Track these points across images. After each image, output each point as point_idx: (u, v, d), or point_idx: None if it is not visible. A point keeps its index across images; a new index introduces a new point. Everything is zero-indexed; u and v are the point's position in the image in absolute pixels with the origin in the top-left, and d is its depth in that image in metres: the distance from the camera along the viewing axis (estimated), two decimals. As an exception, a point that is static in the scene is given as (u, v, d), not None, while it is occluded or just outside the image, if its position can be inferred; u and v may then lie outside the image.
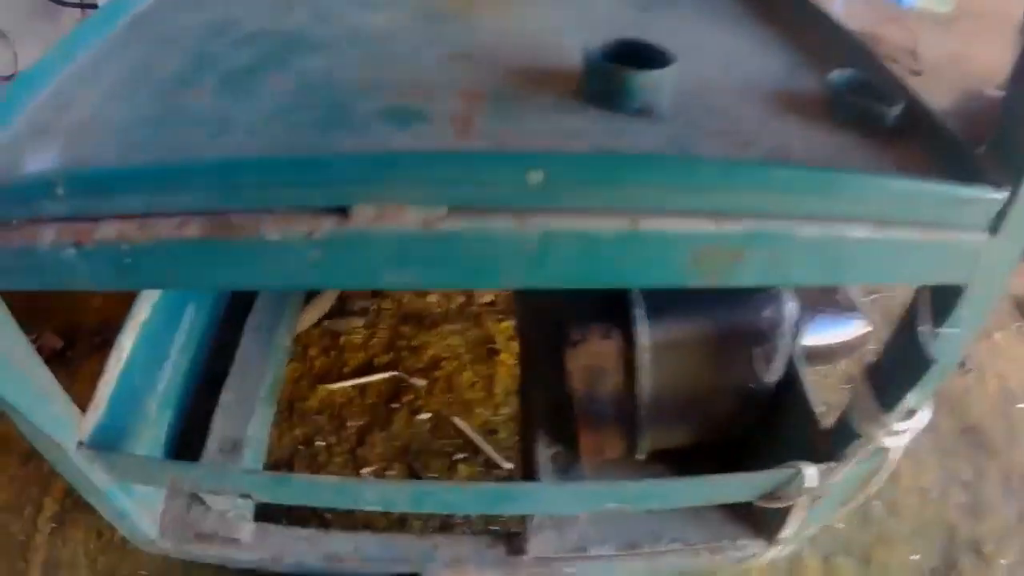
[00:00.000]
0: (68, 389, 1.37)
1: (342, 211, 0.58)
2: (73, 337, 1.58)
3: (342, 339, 1.58)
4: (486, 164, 0.59)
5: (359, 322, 1.60)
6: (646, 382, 0.94)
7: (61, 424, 0.91)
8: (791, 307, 0.96)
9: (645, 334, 0.91)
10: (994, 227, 0.67)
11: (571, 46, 0.79)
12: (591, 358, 0.93)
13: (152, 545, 1.17)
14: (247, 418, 1.19)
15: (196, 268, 0.64)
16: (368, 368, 1.53)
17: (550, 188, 0.58)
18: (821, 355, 1.12)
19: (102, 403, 1.01)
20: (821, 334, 1.28)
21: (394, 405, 1.48)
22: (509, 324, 1.63)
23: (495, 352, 1.59)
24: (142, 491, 1.11)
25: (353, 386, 1.50)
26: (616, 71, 0.70)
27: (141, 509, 1.10)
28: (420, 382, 1.52)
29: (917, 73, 1.97)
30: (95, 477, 0.97)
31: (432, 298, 1.68)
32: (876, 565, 1.32)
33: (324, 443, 1.41)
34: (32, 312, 1.60)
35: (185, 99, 0.77)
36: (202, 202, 0.60)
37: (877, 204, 0.64)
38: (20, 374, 0.83)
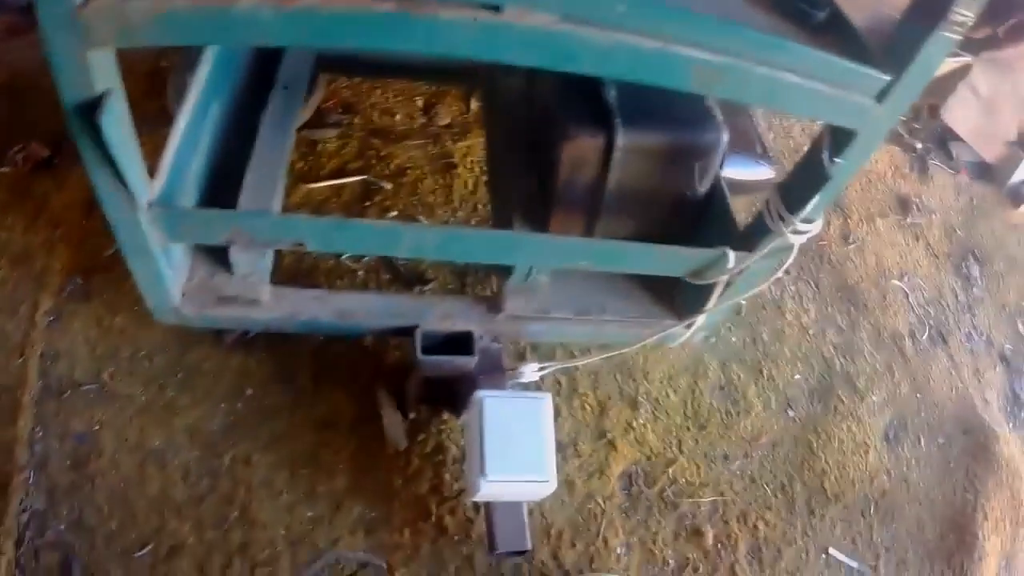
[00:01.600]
0: (53, 195, 1.81)
1: (496, 7, 1.04)
2: (59, 146, 1.91)
3: (319, 147, 2.09)
4: None
5: (333, 133, 2.12)
6: (613, 175, 1.52)
7: (138, 182, 1.25)
8: (724, 137, 1.55)
9: (620, 138, 1.48)
10: (879, 98, 1.23)
11: None
12: (580, 150, 1.49)
13: (172, 313, 1.57)
14: (269, 197, 1.61)
15: (377, 31, 1.05)
16: (342, 172, 2.06)
17: (623, 17, 1.07)
18: (733, 188, 1.72)
19: (164, 172, 1.39)
20: (737, 170, 1.93)
21: (366, 204, 2.02)
22: (464, 144, 2.19)
23: (453, 166, 2.15)
24: (176, 258, 1.51)
25: (330, 186, 2.02)
26: None
27: (172, 275, 1.50)
28: (387, 185, 2.06)
29: None
30: (152, 237, 1.34)
31: (397, 117, 2.22)
32: (765, 376, 1.98)
33: (308, 233, 1.93)
34: (18, 122, 1.96)
35: None
36: None
37: (803, 65, 1.18)
38: (125, 129, 1.16)
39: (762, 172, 2.06)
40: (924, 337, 2.25)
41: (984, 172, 2.84)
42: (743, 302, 2.06)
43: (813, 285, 2.22)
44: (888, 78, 1.21)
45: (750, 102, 1.49)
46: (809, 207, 1.41)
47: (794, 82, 1.18)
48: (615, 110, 1.49)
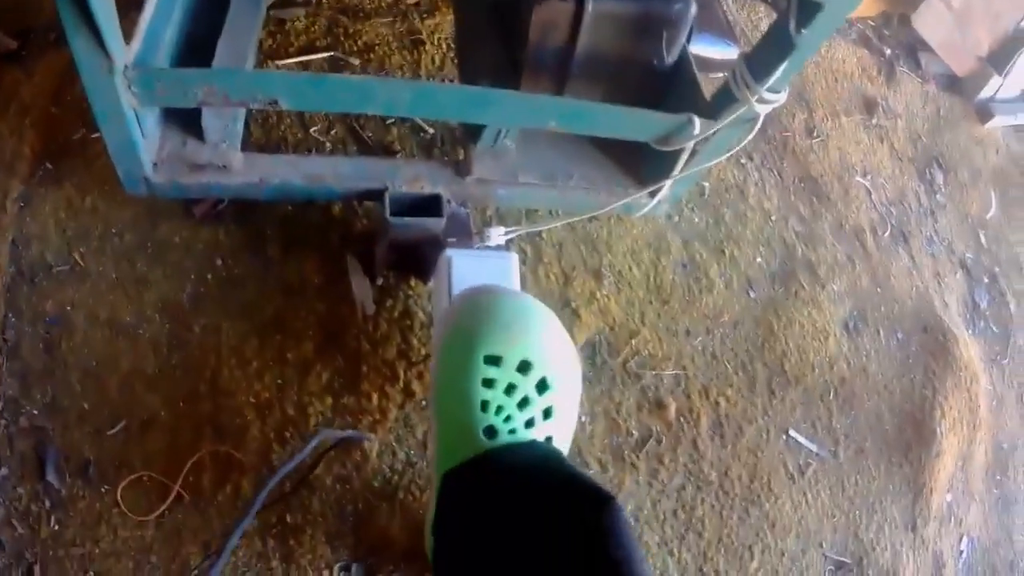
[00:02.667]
0: (23, 84, 1.89)
1: None
2: (26, 37, 1.93)
3: (287, 25, 2.16)
4: None
5: (301, 11, 2.18)
6: (583, 41, 1.61)
7: (116, 45, 1.30)
8: (693, 9, 1.64)
9: (591, 3, 1.57)
10: None
11: None
12: (551, 13, 1.57)
13: (142, 184, 1.62)
14: (242, 63, 1.69)
15: None
16: (310, 49, 2.13)
17: None
18: (700, 65, 1.81)
19: (140, 35, 1.44)
20: (704, 48, 2.04)
21: (335, 80, 2.09)
22: (432, 22, 2.27)
23: (421, 43, 2.24)
24: (148, 128, 1.57)
25: (298, 62, 2.10)
26: None
27: (144, 144, 1.55)
28: (356, 61, 2.15)
29: None
30: (126, 101, 1.40)
31: (364, -4, 2.30)
32: (728, 256, 2.10)
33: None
34: None
35: None
36: None
37: None
38: None
39: (729, 52, 2.16)
40: (886, 234, 2.38)
41: (953, 84, 2.95)
42: (707, 184, 2.19)
43: (776, 174, 2.34)
44: None
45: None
46: (775, 76, 1.50)
47: None
48: (586, -26, 1.58)
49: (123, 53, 1.34)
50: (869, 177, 2.49)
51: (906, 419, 2.07)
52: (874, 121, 2.65)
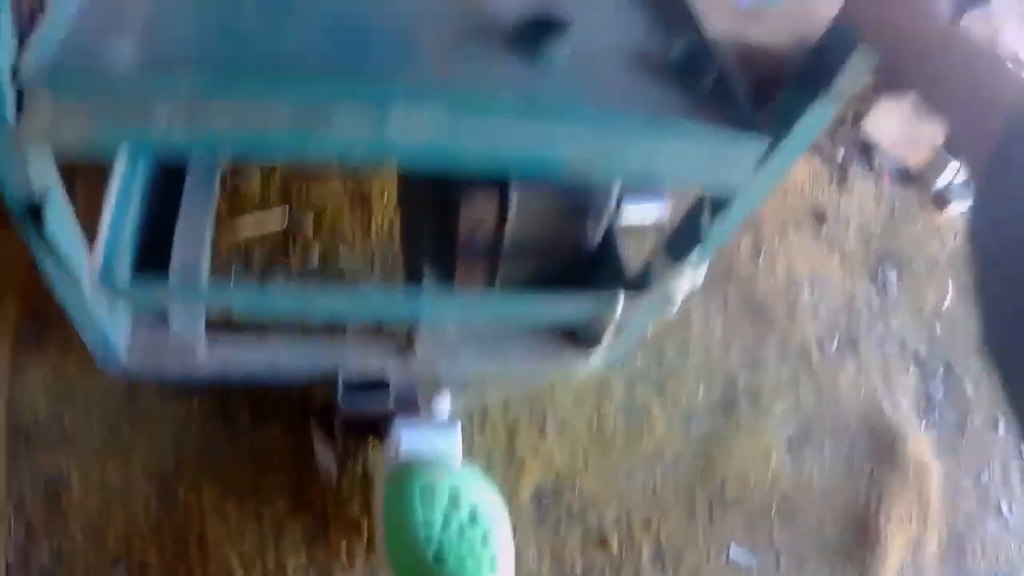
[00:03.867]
0: (3, 246, 2.06)
1: (383, 113, 1.19)
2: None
3: (241, 189, 2.42)
4: (462, 99, 1.25)
5: (256, 175, 2.46)
6: (510, 230, 1.82)
7: (81, 268, 1.45)
8: (615, 188, 1.85)
9: (515, 197, 1.76)
10: (757, 164, 1.38)
11: (502, 8, 1.45)
12: (477, 210, 1.78)
13: (119, 369, 1.88)
14: (199, 251, 1.94)
15: (278, 141, 1.21)
16: (265, 207, 2.40)
17: (501, 115, 1.27)
18: (633, 228, 2.05)
19: (100, 248, 1.66)
20: (635, 209, 2.32)
21: (289, 242, 2.37)
22: (380, 182, 2.51)
23: (368, 203, 2.48)
24: (119, 321, 1.81)
25: (255, 221, 2.36)
26: (532, 33, 1.40)
27: (118, 335, 1.81)
28: (309, 225, 2.41)
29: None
30: (96, 310, 1.60)
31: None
32: (668, 394, 2.30)
33: (236, 276, 2.27)
34: None
35: (235, 14, 1.29)
36: (290, 100, 1.15)
37: (678, 138, 1.36)
38: (67, 221, 1.36)
39: (658, 209, 2.42)
40: (832, 346, 2.57)
41: (907, 178, 3.13)
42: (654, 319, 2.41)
43: (721, 301, 2.54)
44: (765, 146, 1.36)
45: (624, 180, 1.78)
46: (690, 260, 1.71)
47: (668, 159, 1.37)
48: (511, 174, 1.77)
49: (87, 270, 1.53)
50: (817, 290, 2.68)
51: (849, 523, 2.24)
52: (824, 230, 2.83)
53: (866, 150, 3.14)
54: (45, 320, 2.02)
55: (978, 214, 0.70)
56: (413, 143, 1.26)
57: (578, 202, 1.86)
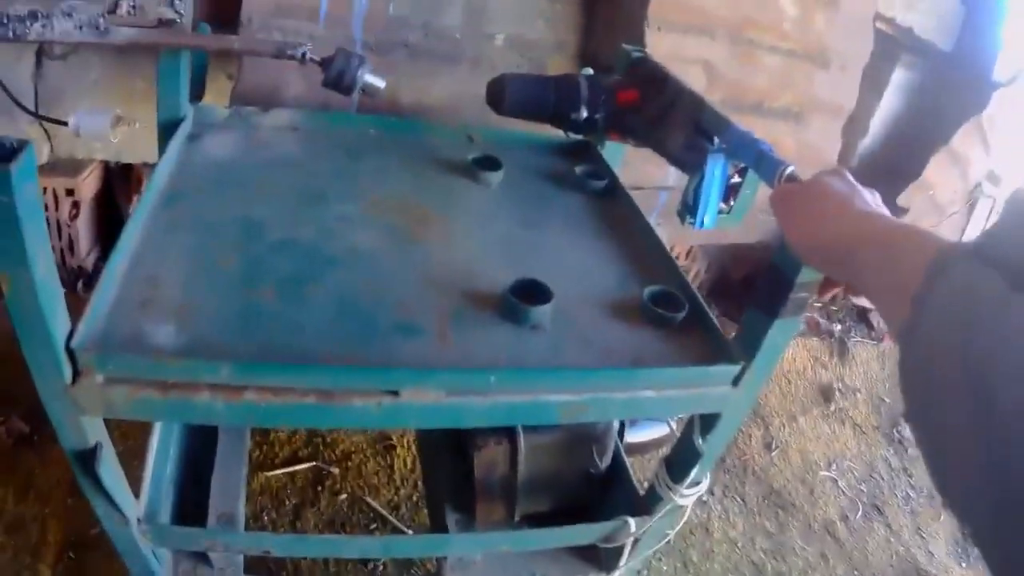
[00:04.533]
0: (38, 470, 2.08)
1: (395, 393, 1.32)
2: (38, 421, 2.18)
3: (271, 436, 2.42)
4: (465, 375, 1.36)
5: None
6: (522, 470, 1.83)
7: (129, 508, 1.52)
8: (616, 423, 1.89)
9: (523, 442, 1.79)
10: (735, 383, 1.50)
11: (491, 273, 1.57)
12: (490, 456, 1.81)
13: None
14: (236, 496, 1.92)
15: (305, 417, 1.36)
16: (294, 459, 2.38)
17: (497, 384, 1.35)
18: (638, 448, 2.05)
19: (146, 491, 1.69)
20: (638, 434, 2.28)
21: (319, 488, 2.33)
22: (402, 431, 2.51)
23: (392, 447, 2.48)
24: (162, 555, 1.76)
25: (285, 473, 2.34)
26: (520, 307, 1.48)
27: (160, 570, 1.75)
28: (336, 470, 2.38)
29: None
30: (143, 546, 1.61)
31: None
32: None
33: (268, 518, 2.24)
34: None
35: (256, 297, 1.38)
36: (316, 383, 1.29)
37: (659, 380, 1.43)
38: (117, 469, 1.44)
39: (660, 431, 2.39)
40: (858, 516, 2.53)
41: None
42: (670, 531, 2.36)
43: (739, 499, 2.50)
44: (739, 368, 1.43)
45: (615, 420, 1.83)
46: (690, 477, 1.70)
47: (652, 396, 1.43)
48: (517, 418, 1.82)
49: (135, 510, 1.55)
50: (834, 466, 2.65)
51: None
52: (832, 408, 2.83)
53: (863, 315, 3.13)
54: (87, 549, 2.00)
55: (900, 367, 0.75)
56: (421, 414, 1.36)
57: (583, 436, 1.87)
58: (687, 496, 1.77)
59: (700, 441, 1.64)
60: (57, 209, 2.66)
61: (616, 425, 1.89)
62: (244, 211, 1.65)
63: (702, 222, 1.59)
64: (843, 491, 2.60)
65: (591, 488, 1.95)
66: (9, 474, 2.12)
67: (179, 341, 1.27)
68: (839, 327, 3.12)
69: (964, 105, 2.92)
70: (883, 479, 2.65)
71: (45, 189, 2.61)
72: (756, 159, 1.43)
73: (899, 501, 2.60)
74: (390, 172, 1.91)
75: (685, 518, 1.85)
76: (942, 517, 2.57)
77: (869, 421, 2.82)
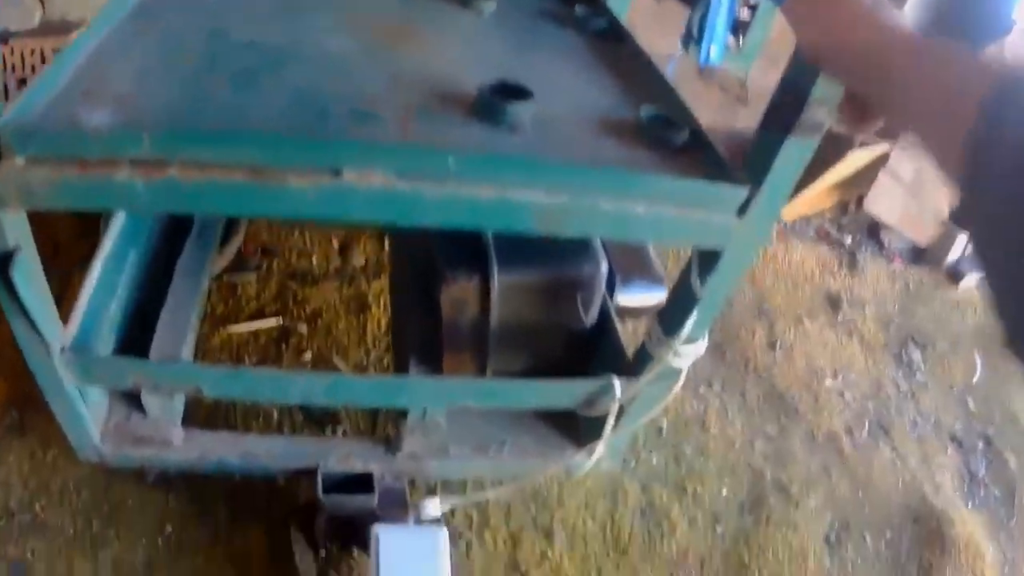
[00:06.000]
0: None
1: (337, 171, 1.08)
2: None
3: (239, 289, 2.11)
4: (420, 154, 1.11)
5: (252, 276, 2.15)
6: (496, 314, 1.51)
7: (51, 330, 1.33)
8: (603, 267, 1.56)
9: (496, 278, 1.48)
10: (741, 212, 1.22)
11: (468, 78, 1.33)
12: (458, 292, 1.49)
13: (93, 451, 1.63)
14: (180, 342, 1.66)
15: (234, 199, 1.12)
16: (261, 314, 2.08)
17: (457, 170, 1.10)
18: (632, 313, 1.72)
19: (77, 318, 1.47)
20: (633, 297, 1.93)
21: (283, 346, 2.03)
22: (378, 284, 2.21)
23: (367, 307, 2.17)
24: (93, 400, 1.56)
25: (248, 330, 2.04)
26: (496, 101, 1.23)
27: (91, 415, 1.56)
28: (304, 328, 2.08)
29: (744, 101, 2.70)
30: (66, 380, 1.42)
31: (314, 259, 2.25)
32: (690, 494, 1.92)
33: (225, 376, 1.94)
34: None
35: (209, 87, 1.22)
36: (247, 158, 1.07)
37: (652, 192, 1.17)
38: (37, 281, 1.26)
39: (659, 295, 2.05)
40: (864, 433, 2.19)
41: (919, 255, 2.81)
42: (664, 421, 2.04)
43: (739, 396, 2.17)
44: (745, 192, 1.20)
45: (602, 236, 1.53)
46: (686, 330, 1.40)
47: (644, 212, 1.18)
48: (491, 250, 1.50)
49: (59, 337, 1.36)
50: (840, 377, 2.32)
51: None
52: (840, 317, 2.49)
53: (874, 232, 2.81)
54: (30, 408, 1.77)
55: (965, 211, 0.65)
56: (366, 201, 1.13)
57: (565, 285, 1.56)
58: (682, 356, 1.46)
59: (698, 283, 1.35)
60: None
61: (604, 273, 1.58)
62: (214, 22, 1.45)
63: (707, 56, 1.35)
64: (848, 404, 2.28)
65: (574, 348, 1.64)
66: None
67: (112, 121, 1.12)
68: (849, 238, 2.77)
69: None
70: (890, 399, 2.33)
71: (34, 51, 2.52)
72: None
73: (906, 425, 2.27)
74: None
75: (679, 385, 1.54)
76: (948, 451, 2.25)
77: (877, 339, 2.49)
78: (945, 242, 2.77)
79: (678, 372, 1.49)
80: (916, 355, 2.48)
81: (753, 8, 1.31)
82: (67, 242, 1.96)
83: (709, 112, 2.53)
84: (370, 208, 1.14)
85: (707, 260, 1.32)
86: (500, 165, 1.13)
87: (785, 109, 1.12)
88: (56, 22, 2.60)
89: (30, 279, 1.22)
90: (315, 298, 2.16)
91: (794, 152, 1.15)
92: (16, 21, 2.55)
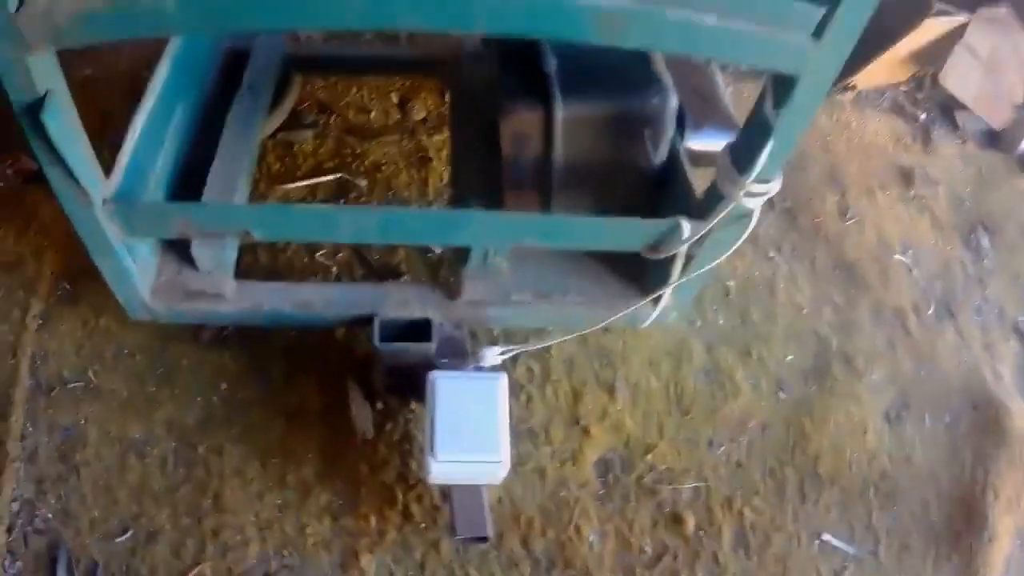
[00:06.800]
0: (44, 205, 1.84)
1: None
2: None
3: (295, 148, 2.02)
4: None
5: (309, 133, 2.04)
6: (559, 149, 1.39)
7: (92, 181, 1.26)
8: (672, 101, 1.42)
9: (559, 109, 1.35)
10: (817, 34, 1.06)
11: None
12: (519, 124, 1.37)
13: (143, 310, 1.57)
14: (232, 192, 1.57)
15: (275, 10, 1.00)
16: (318, 171, 1.98)
17: None
18: (704, 159, 1.57)
19: (120, 169, 1.38)
20: (705, 141, 1.77)
21: (340, 201, 1.93)
22: (439, 138, 2.09)
23: (427, 160, 2.06)
24: (142, 256, 1.50)
25: (306, 186, 1.95)
26: None
27: (140, 272, 1.49)
28: (363, 182, 1.98)
29: None
30: (111, 233, 1.34)
31: (372, 114, 2.14)
32: (755, 358, 1.80)
33: (281, 233, 1.85)
34: (7, 136, 1.95)
35: None
36: None
37: (723, 3, 1.01)
38: (74, 132, 1.18)
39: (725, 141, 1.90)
40: (930, 312, 2.03)
41: (992, 140, 2.57)
42: (731, 283, 1.91)
43: (808, 263, 2.03)
44: (822, 10, 1.04)
45: (668, 50, 1.33)
46: (759, 166, 1.25)
47: (714, 24, 1.02)
48: (554, 80, 1.37)
49: (100, 188, 1.29)
50: (910, 253, 2.15)
51: (955, 506, 1.72)
52: (912, 193, 2.31)
53: (948, 111, 2.59)
54: (82, 277, 1.73)
55: None
56: (414, 5, 0.99)
57: (632, 119, 1.42)
58: (754, 195, 1.31)
59: (772, 112, 1.19)
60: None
61: (674, 108, 1.43)
62: None
63: None
64: (916, 282, 2.11)
65: (641, 187, 1.51)
66: (14, 212, 1.88)
67: None
68: (924, 116, 2.57)
69: None
70: (957, 281, 2.16)
71: None
72: None
73: (971, 310, 2.10)
74: None
75: (750, 229, 1.39)
76: (1011, 341, 2.08)
77: (948, 218, 2.31)
78: (1019, 128, 2.53)
79: (750, 214, 1.35)
80: (985, 240, 2.29)
81: None
82: (117, 112, 1.86)
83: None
84: (419, 13, 1.01)
85: (781, 88, 1.17)
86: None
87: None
88: None
89: (64, 124, 1.15)
90: (374, 153, 2.05)
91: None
92: None
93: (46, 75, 1.09)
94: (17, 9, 0.97)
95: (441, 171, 2.03)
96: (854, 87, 2.53)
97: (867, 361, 1.88)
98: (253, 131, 1.72)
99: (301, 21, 1.09)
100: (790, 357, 1.84)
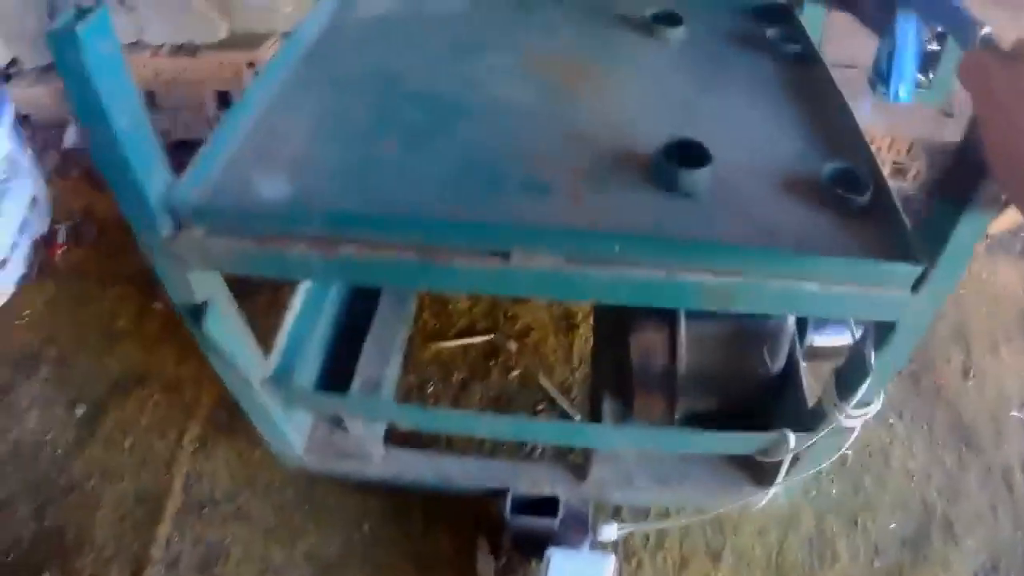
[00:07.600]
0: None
1: (505, 255, 1.06)
2: None
3: (449, 306, 2.17)
4: (587, 238, 1.07)
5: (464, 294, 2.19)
6: (683, 364, 1.49)
7: (251, 367, 1.39)
8: (791, 318, 1.50)
9: (683, 330, 1.46)
10: (915, 287, 1.10)
11: (647, 131, 1.24)
12: (646, 342, 1.48)
13: (297, 461, 1.71)
14: (384, 363, 1.72)
15: (404, 276, 1.12)
16: (471, 331, 2.12)
17: (624, 253, 1.06)
18: (823, 354, 1.63)
19: (279, 349, 1.54)
20: (827, 337, 1.82)
21: (491, 363, 2.07)
22: (587, 306, 2.19)
23: (574, 326, 2.17)
24: (298, 418, 1.64)
25: (458, 345, 2.09)
26: (671, 168, 1.15)
27: (295, 431, 1.64)
28: (513, 346, 2.11)
29: (949, 115, 2.45)
30: (271, 405, 1.48)
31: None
32: (859, 527, 1.82)
33: (433, 389, 2.01)
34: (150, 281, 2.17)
35: (378, 150, 1.20)
36: (414, 239, 1.07)
37: (823, 271, 1.07)
38: (232, 325, 1.29)
39: (846, 337, 1.93)
40: (1036, 470, 1.99)
41: None
42: (849, 452, 1.93)
43: (926, 427, 2.03)
44: (920, 270, 1.07)
45: (771, 312, 1.40)
46: (858, 396, 1.31)
47: (815, 291, 1.08)
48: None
49: (259, 371, 1.41)
50: (1027, 406, 2.10)
51: None
52: (1035, 341, 2.26)
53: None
54: (237, 411, 1.80)
55: None
56: (532, 280, 1.09)
57: (754, 332, 1.50)
58: (853, 417, 1.38)
59: (871, 355, 1.25)
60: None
61: (793, 323, 1.51)
62: (388, 65, 1.42)
63: (896, 94, 1.19)
64: (1029, 436, 2.07)
65: (759, 392, 1.58)
66: (174, 336, 2.04)
67: (286, 193, 1.13)
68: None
69: None
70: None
71: (222, 63, 2.55)
72: (947, 16, 1.00)
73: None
74: (559, 26, 1.59)
75: (850, 442, 1.45)
76: None
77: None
78: None
79: (851, 429, 1.41)
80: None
81: (942, 37, 1.16)
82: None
83: (915, 125, 2.37)
84: (536, 286, 1.12)
85: (880, 330, 1.23)
86: (668, 249, 1.07)
87: (962, 176, 0.97)
88: (243, 34, 2.60)
89: (223, 328, 1.25)
90: (525, 316, 2.18)
91: (971, 226, 1.01)
92: (201, 34, 2.57)
93: (206, 287, 1.20)
94: (175, 233, 1.09)
95: (586, 336, 2.14)
96: (987, 235, 2.49)
97: (966, 527, 1.86)
98: (409, 297, 1.89)
99: (430, 286, 1.24)
100: (893, 525, 1.84)
